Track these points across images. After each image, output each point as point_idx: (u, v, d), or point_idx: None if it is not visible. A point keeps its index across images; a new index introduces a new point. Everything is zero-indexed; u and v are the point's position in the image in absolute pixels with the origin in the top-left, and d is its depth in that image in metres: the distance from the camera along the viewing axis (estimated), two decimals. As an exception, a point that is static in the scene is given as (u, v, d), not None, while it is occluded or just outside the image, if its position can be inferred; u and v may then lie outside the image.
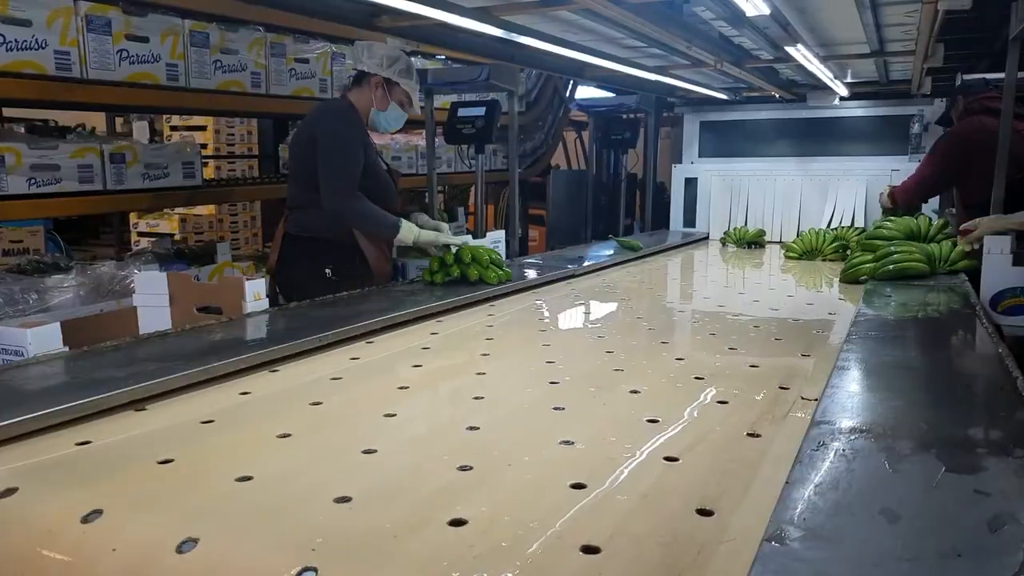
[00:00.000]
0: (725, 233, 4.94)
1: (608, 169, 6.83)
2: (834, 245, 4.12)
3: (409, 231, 2.80)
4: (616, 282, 3.29)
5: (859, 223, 4.70)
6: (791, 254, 4.19)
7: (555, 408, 1.53)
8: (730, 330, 2.33)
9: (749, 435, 1.37)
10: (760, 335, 2.27)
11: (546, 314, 2.63)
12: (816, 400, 1.40)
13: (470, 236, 3.39)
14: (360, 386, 1.74)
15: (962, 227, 3.04)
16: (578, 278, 3.28)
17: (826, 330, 2.38)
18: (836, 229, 4.42)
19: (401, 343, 2.12)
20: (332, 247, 2.81)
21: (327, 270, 2.78)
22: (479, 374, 1.82)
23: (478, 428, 1.41)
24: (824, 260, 4.05)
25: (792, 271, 3.85)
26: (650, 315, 2.65)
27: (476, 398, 1.61)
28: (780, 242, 4.92)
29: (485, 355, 1.99)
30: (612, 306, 2.82)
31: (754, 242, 4.74)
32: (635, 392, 1.64)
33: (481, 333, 2.29)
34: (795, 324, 2.46)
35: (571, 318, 2.66)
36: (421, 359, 1.94)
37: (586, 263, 3.54)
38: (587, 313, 2.73)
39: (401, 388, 1.69)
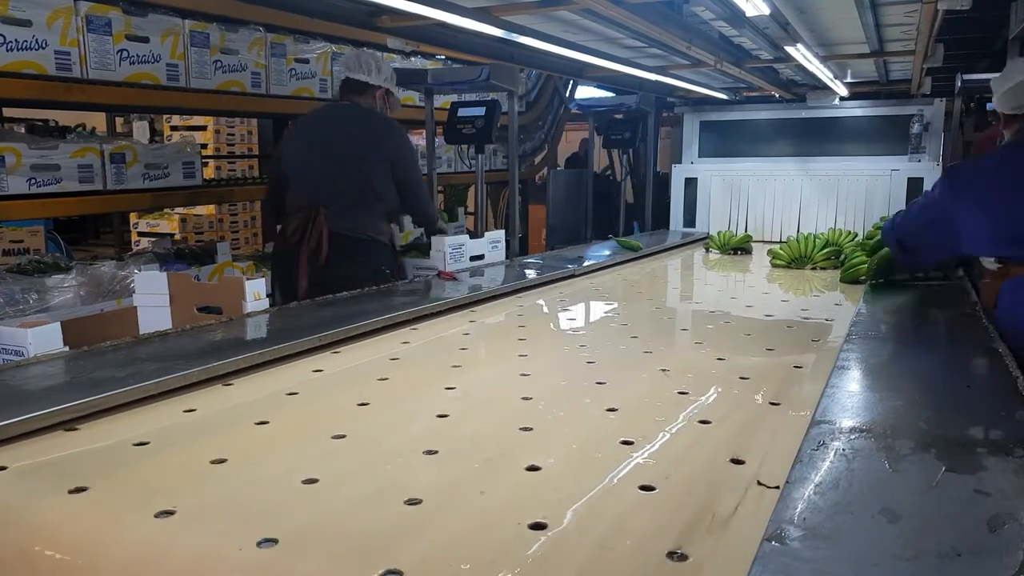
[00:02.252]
0: (709, 238, 4.54)
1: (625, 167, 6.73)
2: (825, 252, 3.72)
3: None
4: (615, 282, 3.29)
5: (859, 224, 4.70)
6: (778, 261, 3.76)
7: (522, 428, 1.39)
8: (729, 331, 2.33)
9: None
10: (753, 339, 2.27)
11: (529, 319, 2.51)
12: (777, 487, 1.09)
13: (467, 236, 3.42)
14: (315, 403, 1.59)
15: None
16: (577, 278, 3.27)
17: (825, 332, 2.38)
18: (827, 232, 4.16)
19: (370, 353, 1.97)
20: (381, 247, 3.03)
21: (385, 269, 2.97)
22: (448, 389, 1.68)
23: (437, 452, 1.28)
24: (815, 269, 3.65)
25: (778, 281, 3.43)
26: (647, 319, 2.65)
27: (439, 416, 1.47)
28: (779, 241, 4.92)
29: (456, 367, 1.86)
30: (604, 310, 2.81)
31: (740, 248, 4.33)
32: (612, 410, 1.51)
33: (456, 343, 2.14)
34: (792, 327, 2.46)
35: (554, 324, 2.56)
36: (388, 371, 1.79)
37: (586, 263, 3.53)
38: (572, 320, 2.71)
39: (361, 405, 1.54)
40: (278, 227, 3.20)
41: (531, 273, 3.15)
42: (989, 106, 2.97)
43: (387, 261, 3.03)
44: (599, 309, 2.79)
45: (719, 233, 4.46)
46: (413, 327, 2.25)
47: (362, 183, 2.99)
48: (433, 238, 3.28)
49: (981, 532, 0.90)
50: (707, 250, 4.43)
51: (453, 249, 3.27)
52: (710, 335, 2.35)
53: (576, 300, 2.89)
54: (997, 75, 2.50)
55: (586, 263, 3.52)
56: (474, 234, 3.66)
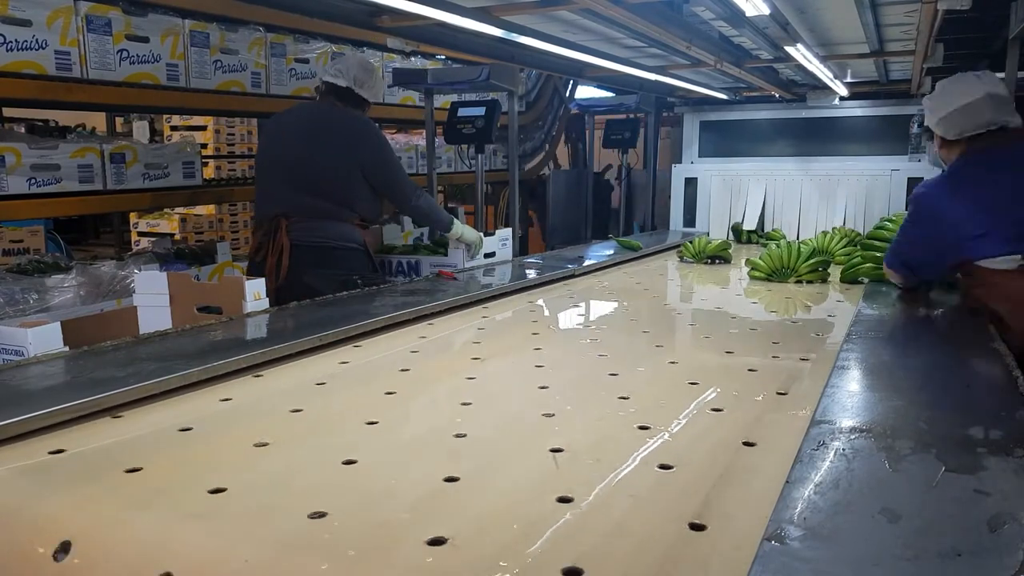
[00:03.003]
0: (683, 246, 4.03)
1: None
2: (811, 263, 3.25)
3: (459, 227, 3.24)
4: (620, 280, 3.30)
5: (859, 224, 4.70)
6: (756, 273, 3.33)
7: (544, 415, 1.46)
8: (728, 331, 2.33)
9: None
10: (757, 336, 2.27)
11: (539, 316, 2.60)
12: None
13: (481, 234, 3.46)
14: (345, 392, 1.68)
15: None
16: (577, 278, 3.28)
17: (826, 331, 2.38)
18: (817, 238, 3.96)
19: (390, 346, 2.06)
20: (349, 254, 2.94)
21: (356, 278, 2.87)
22: (468, 379, 1.76)
23: (465, 435, 1.35)
24: (799, 282, 3.21)
25: (754, 297, 3.00)
26: (649, 317, 2.65)
27: (463, 404, 1.55)
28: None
29: (475, 359, 1.93)
30: (609, 307, 2.82)
31: (718, 256, 3.82)
32: (625, 399, 1.58)
33: (471, 337, 2.23)
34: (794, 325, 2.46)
35: (567, 320, 2.64)
36: (409, 363, 1.87)
37: (589, 262, 3.54)
38: (583, 315, 2.73)
39: (388, 394, 1.62)
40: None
41: (537, 272, 3.20)
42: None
43: (359, 268, 2.95)
44: (606, 306, 2.82)
45: (694, 240, 3.94)
46: (429, 322, 2.35)
47: (330, 194, 2.92)
48: (477, 237, 3.31)
49: (981, 532, 0.90)
50: (680, 258, 3.93)
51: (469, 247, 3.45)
52: (714, 332, 2.35)
53: (583, 297, 2.92)
54: (929, 96, 2.58)
55: (589, 262, 3.55)
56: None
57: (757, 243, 4.67)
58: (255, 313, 2.22)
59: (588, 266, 3.48)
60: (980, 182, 2.42)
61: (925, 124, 2.68)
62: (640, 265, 3.82)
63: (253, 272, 3.00)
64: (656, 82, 4.92)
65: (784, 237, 4.38)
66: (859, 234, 4.09)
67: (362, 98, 3.08)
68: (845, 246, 3.73)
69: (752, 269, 3.39)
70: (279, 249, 2.89)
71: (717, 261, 3.82)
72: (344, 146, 2.94)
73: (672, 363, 1.94)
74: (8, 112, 7.05)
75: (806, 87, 5.11)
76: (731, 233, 4.98)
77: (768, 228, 5.01)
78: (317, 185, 2.93)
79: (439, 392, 1.69)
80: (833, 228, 4.37)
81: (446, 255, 3.51)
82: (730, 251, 3.90)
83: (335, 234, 2.92)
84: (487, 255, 3.58)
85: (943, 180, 2.53)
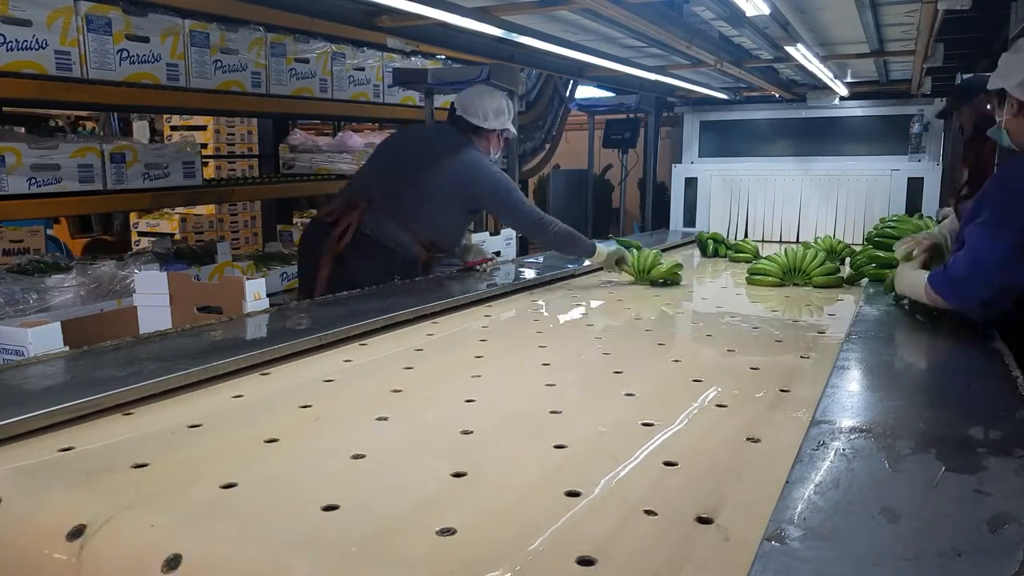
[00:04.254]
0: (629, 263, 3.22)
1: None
2: (824, 267, 3.02)
3: (601, 252, 3.18)
4: (622, 279, 3.30)
5: (859, 224, 4.71)
6: (765, 278, 3.05)
7: (551, 412, 1.47)
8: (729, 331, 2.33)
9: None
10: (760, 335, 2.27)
11: (542, 314, 2.62)
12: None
13: (487, 234, 3.50)
14: (352, 388, 1.70)
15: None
16: (578, 277, 3.28)
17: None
18: (822, 240, 3.68)
19: (395, 344, 2.08)
20: (399, 259, 2.99)
21: (397, 278, 2.92)
22: (474, 376, 1.77)
23: (472, 432, 1.36)
24: (808, 285, 2.99)
25: (757, 295, 2.91)
26: (650, 316, 2.65)
27: (468, 401, 1.56)
28: (778, 241, 4.92)
29: (479, 357, 1.94)
30: (611, 307, 2.82)
31: (669, 280, 3.09)
32: (631, 395, 1.60)
33: (476, 335, 2.25)
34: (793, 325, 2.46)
35: (569, 319, 2.65)
36: (415, 361, 1.89)
37: (587, 262, 3.54)
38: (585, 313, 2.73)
39: (395, 391, 1.63)
40: (278, 226, 3.24)
41: (538, 272, 3.22)
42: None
43: (403, 271, 2.99)
44: (608, 305, 2.82)
45: (638, 254, 3.18)
46: (434, 320, 2.36)
47: (418, 210, 2.99)
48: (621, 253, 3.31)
49: (981, 532, 0.90)
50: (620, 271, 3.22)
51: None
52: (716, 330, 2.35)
53: (585, 297, 2.93)
54: (1010, 55, 2.06)
55: (590, 262, 3.54)
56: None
57: (725, 255, 4.01)
58: (255, 313, 2.22)
59: (589, 266, 3.48)
60: None
61: (992, 89, 2.09)
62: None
63: (311, 235, 3.12)
64: (656, 82, 4.93)
65: (755, 248, 3.86)
66: (846, 245, 3.75)
67: (485, 129, 3.15)
68: (823, 263, 3.05)
69: (757, 275, 3.09)
70: (346, 226, 2.95)
71: (668, 284, 3.09)
72: (460, 180, 3.02)
73: (675, 361, 1.96)
74: (8, 112, 7.04)
75: (806, 87, 5.12)
76: (698, 245, 4.26)
77: (768, 229, 5.01)
78: (410, 195, 3.00)
79: (445, 389, 1.70)
80: (815, 240, 3.80)
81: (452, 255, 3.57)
82: (680, 273, 3.12)
83: (394, 234, 2.98)
84: (493, 254, 3.61)
85: None
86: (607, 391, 1.65)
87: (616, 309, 2.74)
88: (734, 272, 3.56)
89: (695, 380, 1.70)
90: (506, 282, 2.97)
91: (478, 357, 1.93)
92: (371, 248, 2.96)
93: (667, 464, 1.19)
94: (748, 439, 1.30)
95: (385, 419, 1.43)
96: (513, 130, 3.26)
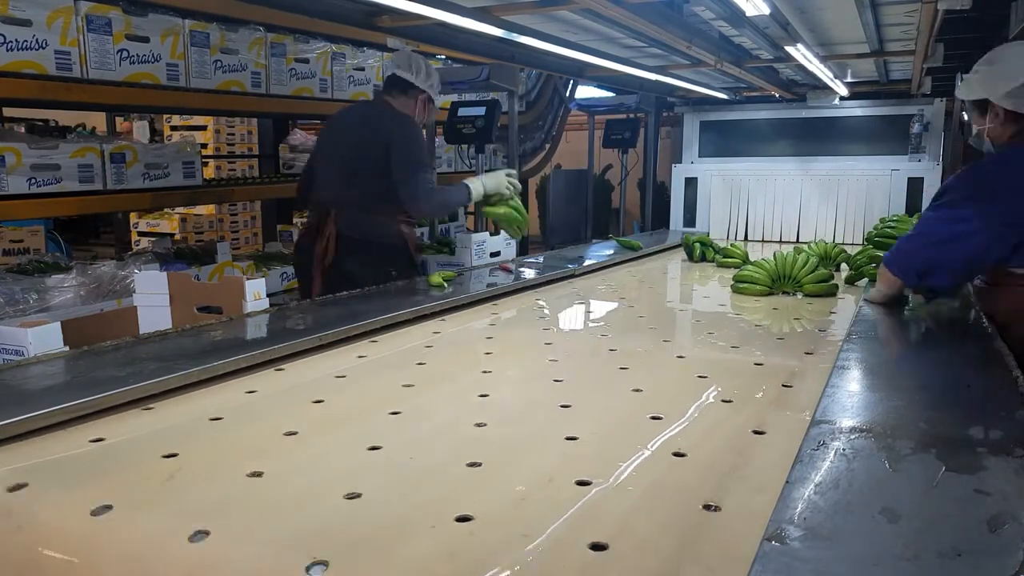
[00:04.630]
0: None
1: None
2: (816, 274, 2.85)
3: (477, 185, 3.06)
4: (624, 278, 3.31)
5: (859, 224, 4.71)
6: (752, 287, 2.86)
7: (561, 406, 1.52)
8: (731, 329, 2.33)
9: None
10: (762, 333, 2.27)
11: (547, 312, 2.64)
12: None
13: (487, 234, 3.52)
14: (365, 384, 1.74)
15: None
16: (579, 278, 3.28)
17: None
18: (815, 246, 3.44)
19: (404, 341, 2.12)
20: (389, 250, 3.01)
21: (392, 271, 2.94)
22: (484, 372, 1.81)
23: (485, 424, 1.41)
24: (800, 294, 2.84)
25: (758, 294, 2.84)
26: (654, 314, 2.65)
27: (481, 396, 1.60)
28: (778, 242, 4.92)
29: (489, 354, 1.99)
30: (613, 304, 2.82)
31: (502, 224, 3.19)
32: (638, 391, 1.63)
33: (484, 332, 2.29)
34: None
35: (573, 316, 2.67)
36: (425, 357, 1.93)
37: (592, 261, 3.56)
38: (589, 311, 2.74)
39: (407, 386, 1.68)
40: (278, 226, 3.25)
41: (541, 272, 3.22)
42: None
43: (397, 263, 3.01)
44: (612, 303, 2.84)
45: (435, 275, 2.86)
46: (442, 318, 2.39)
47: (371, 187, 2.98)
48: (459, 235, 3.33)
49: (981, 532, 0.90)
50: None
51: (477, 246, 3.57)
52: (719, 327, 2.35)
53: (589, 295, 2.94)
54: (987, 62, 2.20)
55: (591, 261, 3.57)
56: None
57: (713, 260, 3.76)
58: (254, 313, 2.22)
59: (591, 265, 3.49)
60: None
61: (969, 99, 2.25)
62: (642, 264, 3.83)
63: (300, 252, 3.16)
64: (656, 82, 4.93)
65: (745, 253, 3.65)
66: (842, 249, 3.54)
67: (410, 83, 3.07)
68: (815, 269, 2.88)
69: (743, 283, 2.88)
70: (327, 237, 2.99)
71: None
72: (383, 141, 2.98)
73: (680, 357, 2.00)
74: (8, 112, 7.05)
75: (806, 87, 5.12)
76: (685, 249, 3.97)
77: (768, 229, 5.00)
78: (360, 179, 3.00)
79: (456, 384, 1.74)
80: (809, 244, 3.52)
81: (452, 254, 3.59)
82: (518, 222, 3.18)
83: (376, 228, 3.00)
84: (493, 254, 3.61)
85: (1005, 157, 2.19)
86: (614, 386, 1.69)
87: (619, 307, 2.75)
88: (721, 278, 3.34)
89: (700, 376, 1.75)
90: (509, 282, 2.99)
91: (487, 354, 1.98)
92: (357, 248, 2.98)
93: (676, 455, 1.24)
94: (754, 431, 1.33)
95: (398, 413, 1.47)
96: (437, 98, 3.20)
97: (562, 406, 1.51)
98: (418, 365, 1.84)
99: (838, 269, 3.34)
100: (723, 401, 1.55)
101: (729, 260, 3.61)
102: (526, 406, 1.58)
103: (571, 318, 2.63)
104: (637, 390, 1.63)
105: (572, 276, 3.25)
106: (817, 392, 1.50)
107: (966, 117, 2.47)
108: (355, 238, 2.99)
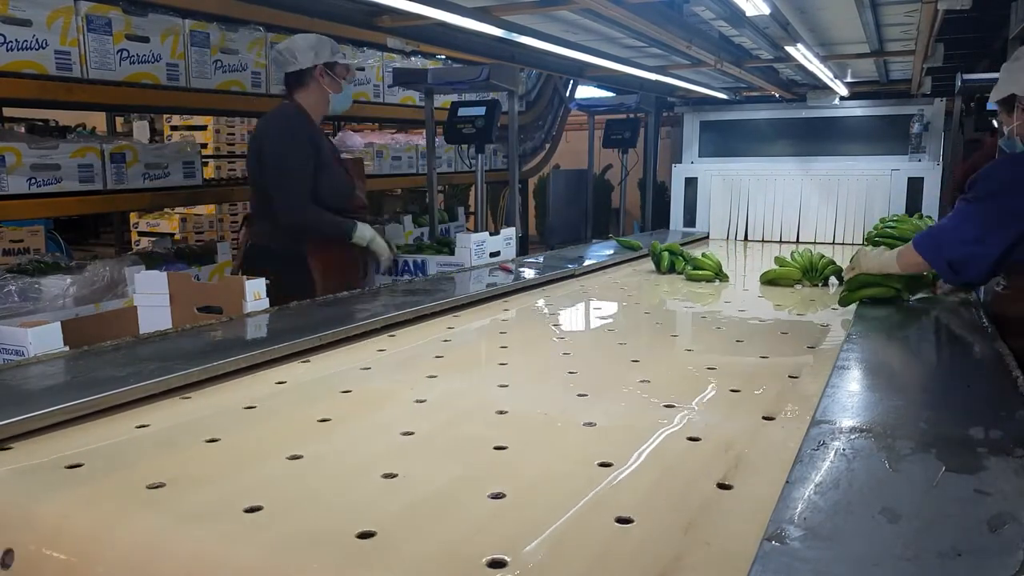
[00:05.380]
0: None
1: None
2: (832, 268, 3.03)
3: (363, 232, 2.87)
4: (628, 277, 3.32)
5: (859, 224, 4.71)
6: (784, 278, 3.02)
7: (578, 395, 1.58)
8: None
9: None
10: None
11: (554, 310, 2.68)
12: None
13: (487, 234, 3.53)
14: (388, 375, 1.81)
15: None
16: (584, 276, 3.30)
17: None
18: (798, 255, 3.23)
19: (422, 336, 2.18)
20: (279, 258, 2.77)
21: (281, 282, 2.59)
22: (501, 364, 1.88)
23: (507, 412, 1.47)
24: (819, 285, 3.00)
25: (759, 292, 2.98)
26: (659, 311, 2.67)
27: (500, 385, 1.67)
28: (778, 242, 4.92)
29: (504, 347, 2.05)
30: (618, 303, 2.83)
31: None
32: (646, 382, 1.69)
33: (497, 328, 2.37)
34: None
35: (580, 313, 2.71)
36: (443, 351, 2.00)
37: (592, 261, 3.56)
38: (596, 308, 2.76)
39: (430, 377, 1.74)
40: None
41: (542, 271, 3.23)
42: (991, 105, 2.38)
43: (285, 273, 2.64)
44: (617, 301, 2.86)
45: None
46: (456, 314, 2.44)
47: (262, 193, 2.83)
48: (459, 235, 3.32)
49: (981, 532, 0.90)
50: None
51: (476, 246, 3.57)
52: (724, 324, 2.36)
53: (594, 293, 2.97)
54: (1013, 64, 2.17)
55: (592, 261, 3.58)
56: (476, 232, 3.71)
57: (682, 272, 3.32)
58: (255, 313, 2.22)
59: (593, 264, 3.50)
60: None
61: (997, 101, 2.23)
62: (643, 264, 3.82)
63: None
64: (656, 82, 4.93)
65: (718, 264, 3.27)
66: (830, 262, 3.10)
67: (298, 71, 2.82)
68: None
69: (772, 276, 3.01)
70: (240, 246, 3.00)
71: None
72: (256, 148, 2.81)
73: (688, 351, 2.08)
74: (8, 112, 7.05)
75: (806, 87, 5.12)
76: (652, 258, 3.54)
77: (768, 229, 5.00)
78: (257, 187, 2.87)
79: (477, 375, 1.82)
80: (792, 254, 3.22)
81: (452, 254, 3.59)
82: None
83: (270, 236, 2.81)
84: (492, 254, 3.62)
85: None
86: (627, 377, 1.74)
87: (625, 304, 2.75)
88: (689, 293, 2.98)
89: (708, 368, 1.80)
90: (519, 279, 3.01)
91: (503, 347, 2.04)
92: (260, 260, 2.78)
93: (691, 439, 1.30)
94: (764, 417, 1.36)
95: (424, 401, 1.54)
96: (335, 53, 2.84)
97: (579, 395, 1.57)
98: (437, 358, 1.90)
99: (825, 283, 3.02)
100: (731, 390, 1.61)
101: (700, 272, 3.22)
102: (544, 395, 1.64)
103: (578, 315, 2.67)
104: (647, 381, 1.69)
105: (572, 276, 3.26)
106: (819, 384, 1.54)
107: (996, 124, 2.46)
108: (260, 247, 2.85)
